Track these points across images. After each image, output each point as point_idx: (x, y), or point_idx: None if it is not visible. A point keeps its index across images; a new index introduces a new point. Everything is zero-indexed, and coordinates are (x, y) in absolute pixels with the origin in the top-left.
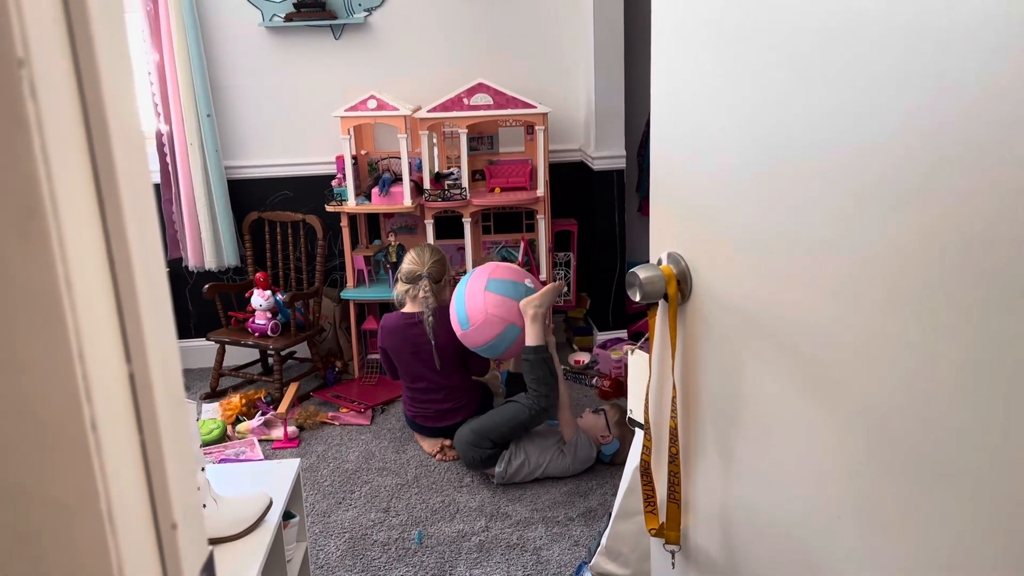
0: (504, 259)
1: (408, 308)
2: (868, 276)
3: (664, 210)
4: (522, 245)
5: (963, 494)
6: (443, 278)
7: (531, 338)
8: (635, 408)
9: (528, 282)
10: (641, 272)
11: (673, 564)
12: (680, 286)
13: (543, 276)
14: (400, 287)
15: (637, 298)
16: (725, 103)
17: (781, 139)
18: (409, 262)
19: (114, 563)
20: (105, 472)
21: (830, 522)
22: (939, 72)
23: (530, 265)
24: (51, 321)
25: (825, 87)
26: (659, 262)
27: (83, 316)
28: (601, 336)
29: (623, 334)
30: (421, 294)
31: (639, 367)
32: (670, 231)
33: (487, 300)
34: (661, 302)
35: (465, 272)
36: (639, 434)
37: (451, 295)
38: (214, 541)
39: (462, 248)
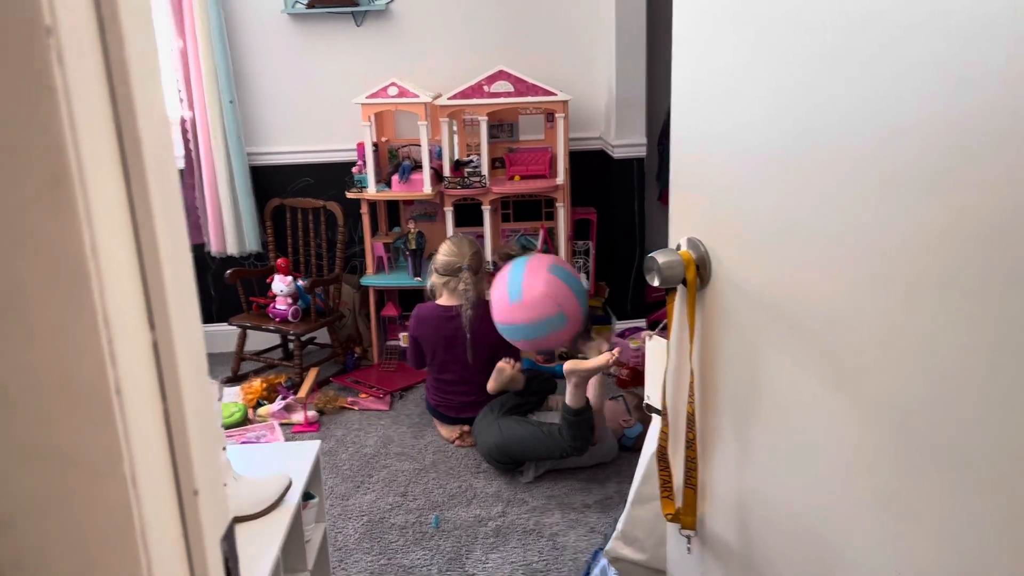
0: (524, 248)
1: (444, 300)
2: (891, 265)
3: (684, 196)
4: (541, 233)
5: (984, 485)
6: (481, 270)
7: (571, 399)
8: (652, 394)
9: (584, 283)
10: (660, 257)
11: (689, 549)
12: (699, 271)
13: None
14: (436, 279)
15: (656, 283)
16: (748, 91)
17: (805, 128)
18: (446, 254)
19: (137, 526)
20: (129, 436)
21: (848, 509)
22: (963, 61)
23: (549, 253)
24: (77, 286)
25: (849, 76)
26: (678, 247)
27: (108, 282)
28: (620, 325)
29: (642, 323)
30: (461, 286)
31: (656, 353)
32: (689, 216)
33: (548, 279)
34: (680, 287)
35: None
36: (656, 420)
37: (488, 287)
38: (234, 520)
39: (481, 236)
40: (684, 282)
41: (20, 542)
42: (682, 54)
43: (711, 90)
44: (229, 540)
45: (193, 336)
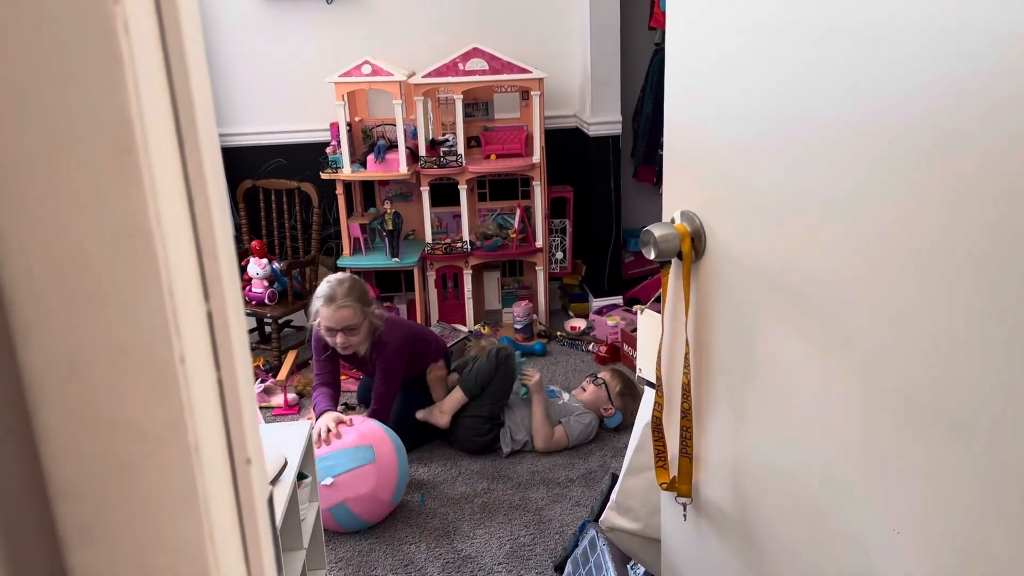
0: (500, 226)
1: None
2: (889, 233)
3: (678, 168)
4: (518, 212)
5: (978, 447)
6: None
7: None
8: (645, 367)
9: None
10: (656, 230)
11: (685, 516)
12: (694, 244)
13: (539, 243)
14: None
15: (652, 256)
16: (744, 60)
17: (802, 96)
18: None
19: (201, 494)
20: (192, 406)
21: (843, 473)
22: (962, 27)
23: (526, 232)
24: (144, 256)
25: (848, 43)
26: (672, 220)
27: (171, 252)
28: (597, 302)
29: (619, 300)
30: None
31: (649, 326)
32: (684, 189)
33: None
34: (674, 260)
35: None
36: (649, 392)
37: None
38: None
39: (458, 216)
40: (679, 255)
41: (87, 512)
42: (676, 23)
43: (706, 60)
44: (271, 505)
45: (239, 307)
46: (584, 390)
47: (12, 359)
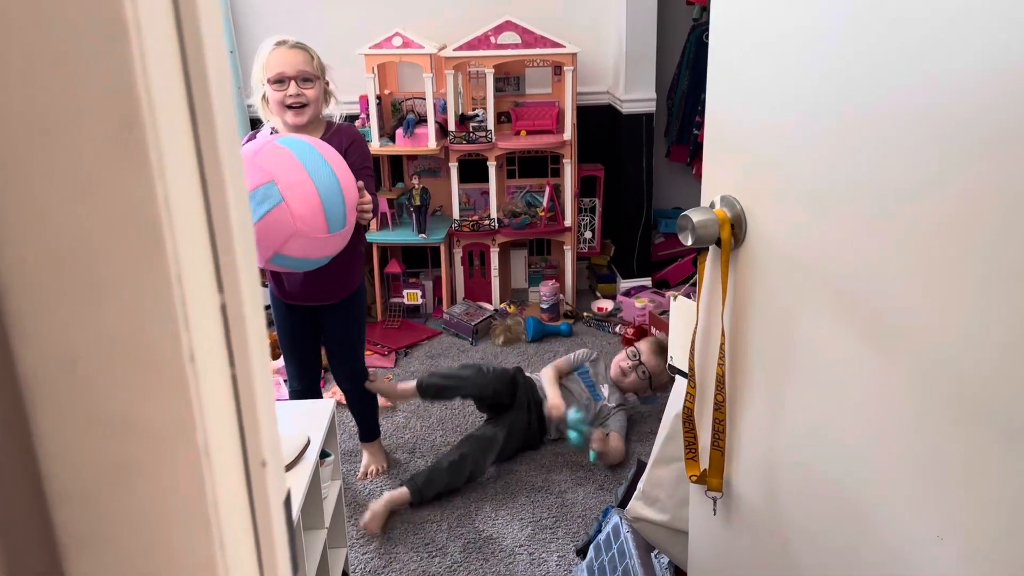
0: (529, 204)
1: None
2: (945, 225)
3: (719, 153)
4: (547, 190)
5: None
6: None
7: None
8: (677, 355)
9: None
10: (694, 215)
11: (715, 511)
12: (734, 231)
13: (568, 222)
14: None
15: (689, 242)
16: (795, 39)
17: (854, 79)
18: None
19: (210, 499)
20: (202, 405)
21: (886, 472)
22: None
23: (555, 211)
24: (150, 242)
25: (914, 24)
26: (712, 205)
27: (180, 238)
28: (625, 284)
29: (647, 282)
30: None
31: (682, 314)
32: (725, 174)
33: (270, 147)
34: (712, 247)
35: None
36: (680, 382)
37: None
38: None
39: (486, 192)
40: (718, 242)
41: (87, 517)
42: (721, 1)
43: (755, 37)
44: (287, 505)
45: (257, 299)
46: (625, 375)
47: (8, 355)
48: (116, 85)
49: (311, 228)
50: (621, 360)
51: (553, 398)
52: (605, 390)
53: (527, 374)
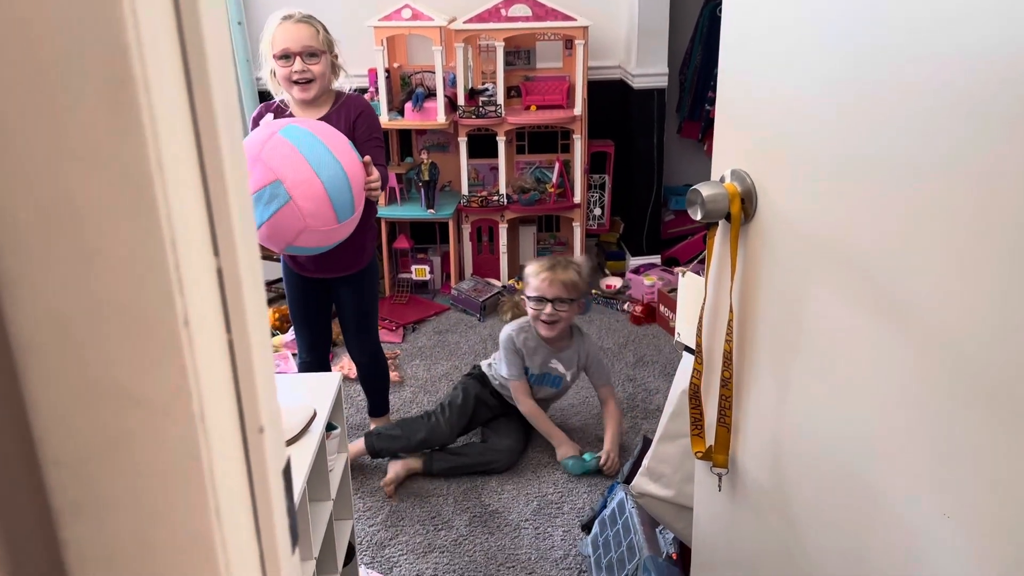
0: (538, 180)
1: None
2: (959, 203)
3: (730, 126)
4: (557, 166)
5: None
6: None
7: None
8: (684, 331)
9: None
10: (704, 189)
11: (720, 487)
12: (744, 205)
13: (577, 198)
14: None
15: (698, 217)
16: (812, 8)
17: (872, 51)
18: None
19: (206, 467)
20: (197, 372)
21: (893, 450)
22: None
23: (564, 187)
24: (143, 203)
25: None
26: (722, 179)
27: (174, 201)
28: (634, 261)
29: (656, 259)
30: None
31: (690, 290)
32: (736, 146)
33: (273, 141)
34: (721, 222)
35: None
36: (687, 358)
37: None
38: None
39: (495, 168)
40: (727, 217)
41: (80, 484)
42: None
43: (766, 12)
44: (287, 475)
45: (255, 263)
46: (552, 329)
47: None
48: (106, 40)
49: (320, 222)
50: (536, 324)
51: (561, 442)
52: (559, 367)
53: (484, 366)
